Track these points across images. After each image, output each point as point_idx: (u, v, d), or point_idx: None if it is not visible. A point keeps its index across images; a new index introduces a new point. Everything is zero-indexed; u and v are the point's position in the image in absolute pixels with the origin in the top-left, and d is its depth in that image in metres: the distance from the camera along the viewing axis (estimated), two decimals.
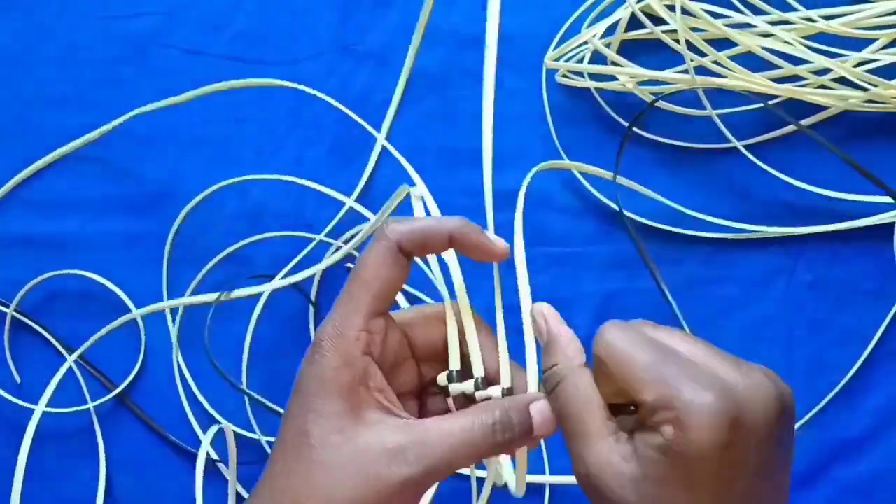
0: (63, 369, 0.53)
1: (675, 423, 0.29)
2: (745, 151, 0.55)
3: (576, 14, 0.57)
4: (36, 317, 0.56)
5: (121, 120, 0.54)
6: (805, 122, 0.56)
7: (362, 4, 0.58)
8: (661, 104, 0.56)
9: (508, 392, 0.35)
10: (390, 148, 0.51)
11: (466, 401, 0.36)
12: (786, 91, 0.54)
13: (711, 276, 0.55)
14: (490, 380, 0.36)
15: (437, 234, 0.35)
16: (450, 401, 0.36)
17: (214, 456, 0.54)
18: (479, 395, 0.35)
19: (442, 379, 0.36)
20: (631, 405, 0.33)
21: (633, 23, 0.56)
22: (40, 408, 0.53)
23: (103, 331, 0.53)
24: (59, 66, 0.58)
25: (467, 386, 0.36)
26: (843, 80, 0.54)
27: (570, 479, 0.54)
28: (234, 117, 0.57)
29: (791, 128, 0.56)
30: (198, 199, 0.56)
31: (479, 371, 0.36)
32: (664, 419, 0.29)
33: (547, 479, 0.54)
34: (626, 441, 0.31)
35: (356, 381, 0.33)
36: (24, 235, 0.56)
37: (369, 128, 0.53)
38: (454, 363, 0.36)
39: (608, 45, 0.56)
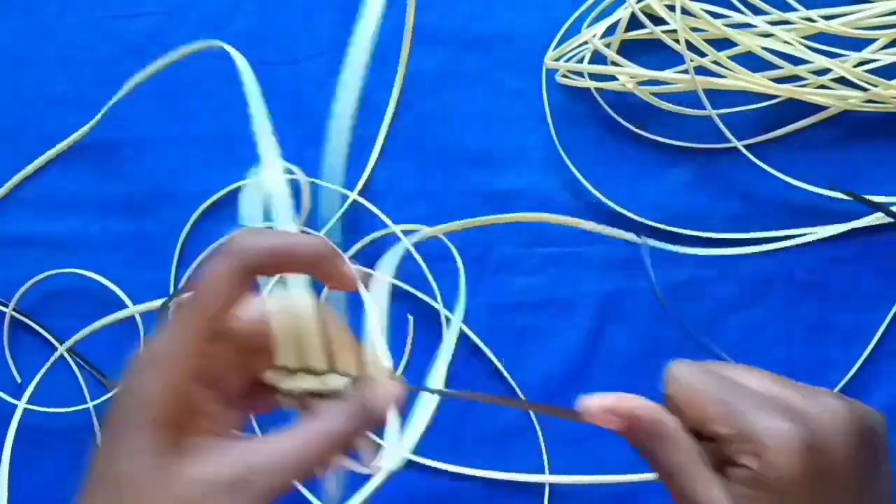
0: (52, 359, 0.53)
1: (755, 453, 0.29)
2: (745, 151, 0.55)
3: (576, 14, 0.57)
4: (35, 316, 0.56)
5: (104, 110, 0.54)
6: (805, 122, 0.56)
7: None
8: (661, 104, 0.56)
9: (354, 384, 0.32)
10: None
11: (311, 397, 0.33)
12: (786, 91, 0.54)
13: (711, 276, 0.55)
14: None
15: (291, 258, 0.31)
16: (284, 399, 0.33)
17: None
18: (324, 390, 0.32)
19: (270, 377, 0.33)
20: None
21: (634, 23, 0.56)
22: (22, 403, 0.53)
23: (97, 324, 0.53)
24: (59, 66, 0.58)
25: (306, 381, 0.33)
26: (843, 80, 0.54)
27: (570, 479, 0.54)
28: (233, 117, 0.57)
29: (791, 128, 0.56)
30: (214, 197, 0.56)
31: (322, 364, 0.33)
32: (743, 450, 0.29)
33: (547, 478, 0.54)
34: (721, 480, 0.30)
35: (175, 411, 0.30)
36: (23, 235, 0.56)
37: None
38: (286, 358, 0.33)
39: (608, 45, 0.56)
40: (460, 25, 0.57)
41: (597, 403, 0.33)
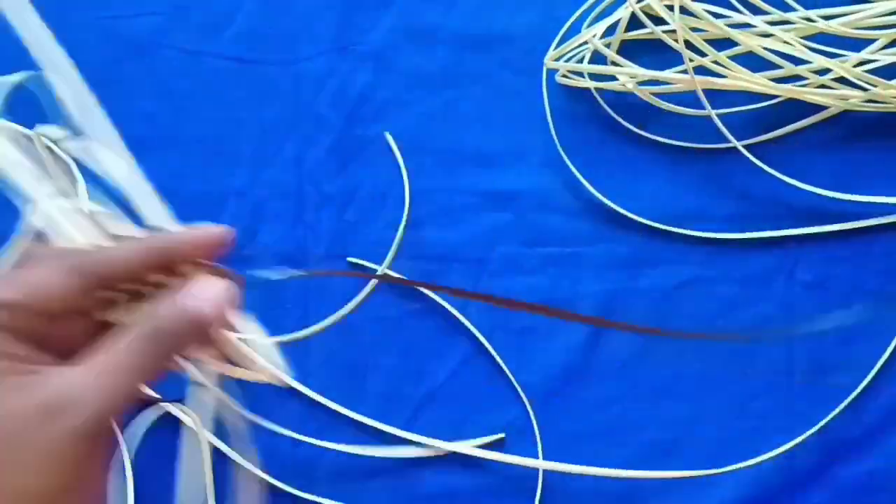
0: None
1: None
2: (745, 151, 0.55)
3: (576, 14, 0.57)
4: None
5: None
6: (805, 122, 0.56)
7: (362, 4, 0.58)
8: (662, 104, 0.56)
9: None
10: None
11: None
12: (786, 91, 0.54)
13: (711, 276, 0.55)
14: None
15: (124, 263, 0.31)
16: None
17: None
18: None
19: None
20: None
21: (634, 23, 0.56)
22: None
23: None
24: None
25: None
26: (843, 80, 0.54)
27: (565, 467, 0.53)
28: (233, 117, 0.57)
29: (791, 128, 0.56)
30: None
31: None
32: None
33: (540, 463, 0.54)
34: None
35: None
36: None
37: None
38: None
39: (608, 45, 0.56)
40: (460, 25, 0.57)
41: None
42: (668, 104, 0.56)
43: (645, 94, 0.56)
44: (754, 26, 0.54)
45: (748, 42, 0.53)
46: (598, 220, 0.56)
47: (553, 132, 0.57)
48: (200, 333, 0.31)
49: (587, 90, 0.57)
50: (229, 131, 0.57)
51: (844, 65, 0.53)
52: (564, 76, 0.57)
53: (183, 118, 0.57)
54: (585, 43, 0.56)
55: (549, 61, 0.57)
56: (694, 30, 0.54)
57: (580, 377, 0.55)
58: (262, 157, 0.57)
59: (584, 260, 0.56)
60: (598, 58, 0.57)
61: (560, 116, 0.57)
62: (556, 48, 0.57)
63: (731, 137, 0.55)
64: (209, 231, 0.32)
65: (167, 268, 0.32)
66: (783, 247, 0.56)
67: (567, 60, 0.57)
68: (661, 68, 0.55)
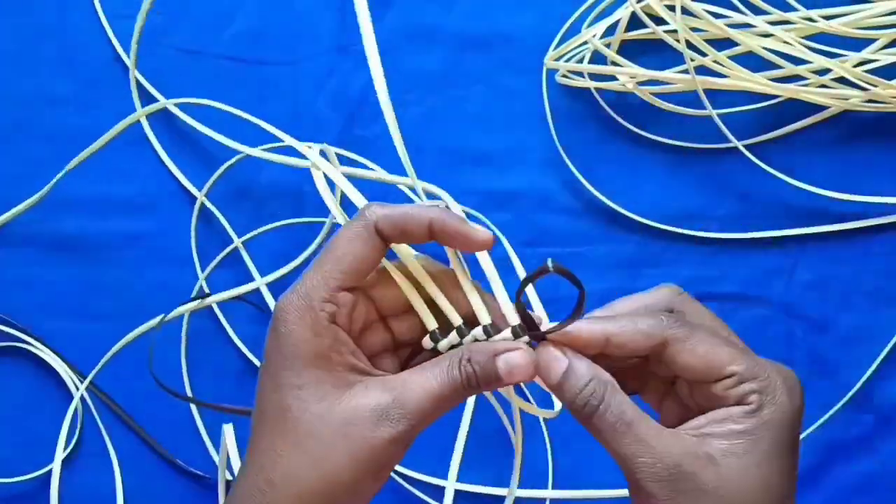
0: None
1: (763, 391, 0.32)
2: (745, 151, 0.55)
3: (576, 14, 0.57)
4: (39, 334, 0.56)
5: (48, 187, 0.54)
6: (805, 122, 0.56)
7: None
8: (662, 104, 0.56)
9: (493, 329, 0.35)
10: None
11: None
12: (786, 91, 0.54)
13: (711, 276, 0.55)
14: (471, 322, 0.35)
15: (416, 220, 0.34)
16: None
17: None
18: (465, 341, 0.35)
19: (427, 342, 0.36)
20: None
21: (634, 23, 0.56)
22: None
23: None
24: (59, 66, 0.58)
25: (453, 338, 0.35)
26: (843, 80, 0.54)
27: (573, 494, 0.54)
28: (233, 117, 0.57)
29: (791, 128, 0.56)
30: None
31: (458, 319, 0.35)
32: (750, 390, 0.32)
33: (549, 493, 0.54)
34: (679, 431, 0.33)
35: (327, 349, 0.33)
36: (24, 235, 0.56)
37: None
38: (430, 324, 0.36)
39: (608, 45, 0.56)
40: (460, 25, 0.57)
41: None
42: (668, 104, 0.56)
43: (645, 93, 0.56)
44: (754, 26, 0.54)
45: (748, 42, 0.53)
46: (598, 220, 0.56)
47: (553, 132, 0.57)
48: (492, 388, 0.35)
49: (587, 90, 0.57)
50: (229, 131, 0.57)
51: (844, 65, 0.53)
52: (564, 76, 0.57)
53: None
54: (585, 43, 0.56)
55: (549, 61, 0.57)
56: (694, 30, 0.54)
57: None
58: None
59: (584, 260, 0.56)
60: (598, 58, 0.57)
61: (560, 116, 0.57)
62: (555, 48, 0.57)
63: (731, 137, 0.55)
64: (478, 235, 0.35)
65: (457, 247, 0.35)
66: (783, 247, 0.56)
67: (567, 60, 0.57)
68: (661, 68, 0.55)
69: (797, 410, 0.33)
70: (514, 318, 0.35)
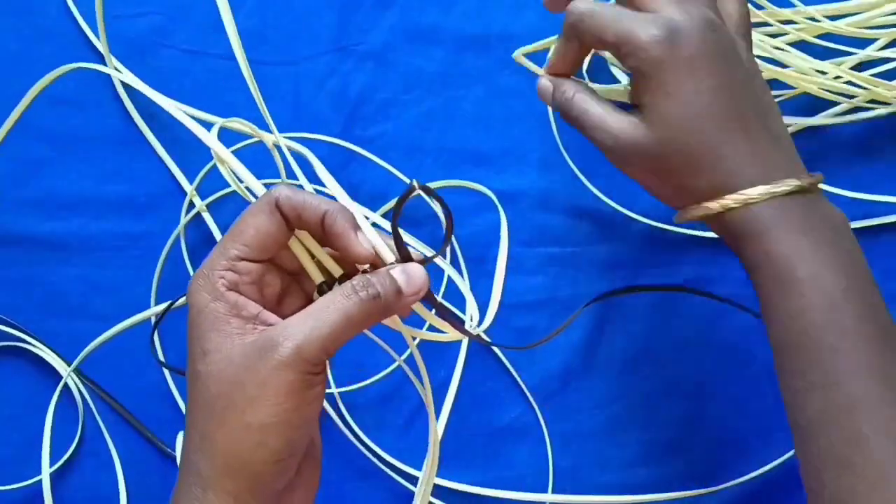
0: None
1: (632, 54, 0.39)
2: None
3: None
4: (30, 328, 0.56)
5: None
6: (807, 121, 0.56)
7: (362, 4, 0.58)
8: None
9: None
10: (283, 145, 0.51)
11: None
12: (798, 82, 0.53)
13: (711, 276, 0.55)
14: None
15: (311, 208, 0.37)
16: None
17: None
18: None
19: (316, 296, 0.39)
20: None
21: None
22: None
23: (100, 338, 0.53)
24: (59, 66, 0.57)
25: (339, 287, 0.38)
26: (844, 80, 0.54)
27: (573, 499, 0.54)
28: (233, 117, 0.57)
29: (793, 128, 0.56)
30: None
31: (338, 271, 0.39)
32: (625, 53, 0.39)
33: (549, 497, 0.54)
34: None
35: (225, 312, 0.36)
36: (24, 235, 0.56)
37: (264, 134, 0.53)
38: (316, 278, 0.39)
39: None
40: (460, 25, 0.57)
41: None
42: None
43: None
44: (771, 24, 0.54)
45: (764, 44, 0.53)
46: (598, 220, 0.56)
47: (553, 132, 0.57)
48: (401, 307, 0.37)
49: None
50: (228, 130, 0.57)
51: (845, 66, 0.53)
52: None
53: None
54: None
55: (517, 55, 0.54)
56: None
57: (580, 377, 0.55)
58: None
59: (584, 260, 0.56)
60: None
61: (560, 116, 0.57)
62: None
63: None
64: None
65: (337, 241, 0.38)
66: None
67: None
68: None
69: (691, 40, 0.39)
70: (389, 257, 0.38)
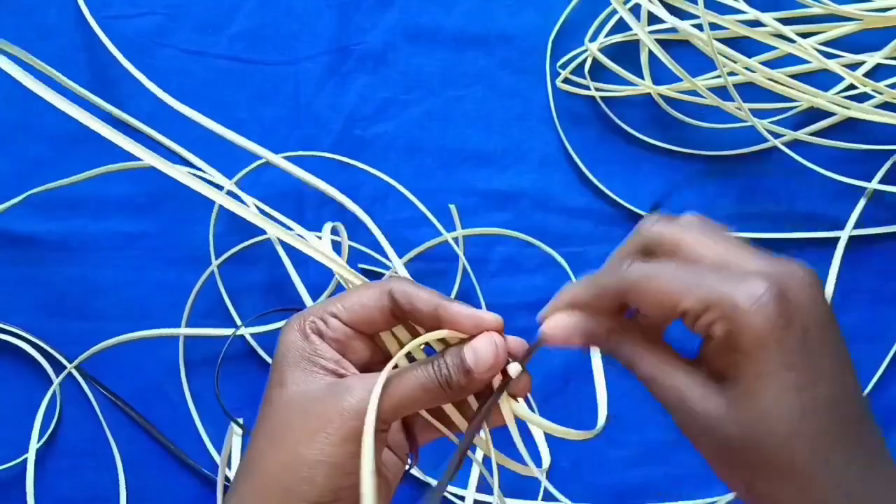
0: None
1: (726, 316, 0.29)
2: (745, 153, 0.55)
3: (570, 6, 0.57)
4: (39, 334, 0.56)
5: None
6: (812, 127, 0.56)
7: (362, 4, 0.58)
8: (663, 106, 0.56)
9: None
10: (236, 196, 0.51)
11: None
12: (806, 95, 0.53)
13: None
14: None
15: (425, 300, 0.36)
16: None
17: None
18: None
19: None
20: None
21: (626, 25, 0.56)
22: None
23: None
24: (59, 66, 0.57)
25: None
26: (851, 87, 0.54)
27: None
28: (233, 117, 0.57)
29: (792, 136, 0.55)
30: None
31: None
32: (711, 319, 0.29)
33: None
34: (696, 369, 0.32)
35: (310, 352, 0.36)
36: (24, 235, 0.57)
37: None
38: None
39: (604, 48, 0.56)
40: (460, 25, 0.57)
41: (554, 329, 0.37)
42: (671, 109, 0.56)
43: (659, 100, 0.56)
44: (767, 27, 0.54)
45: (776, 44, 0.53)
46: (599, 220, 0.56)
47: (555, 131, 0.57)
48: (471, 385, 0.36)
49: (588, 88, 0.57)
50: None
51: (856, 73, 0.53)
52: (566, 82, 0.56)
53: (182, 118, 0.56)
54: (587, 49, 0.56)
55: (560, 82, 0.55)
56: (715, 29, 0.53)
57: (580, 377, 0.55)
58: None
59: (584, 260, 0.56)
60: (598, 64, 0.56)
61: (561, 116, 0.57)
62: (555, 53, 0.56)
63: (770, 137, 0.53)
64: (486, 318, 0.37)
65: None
66: (782, 249, 0.55)
67: (570, 63, 0.56)
68: (662, 68, 0.54)
69: (772, 322, 0.29)
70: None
